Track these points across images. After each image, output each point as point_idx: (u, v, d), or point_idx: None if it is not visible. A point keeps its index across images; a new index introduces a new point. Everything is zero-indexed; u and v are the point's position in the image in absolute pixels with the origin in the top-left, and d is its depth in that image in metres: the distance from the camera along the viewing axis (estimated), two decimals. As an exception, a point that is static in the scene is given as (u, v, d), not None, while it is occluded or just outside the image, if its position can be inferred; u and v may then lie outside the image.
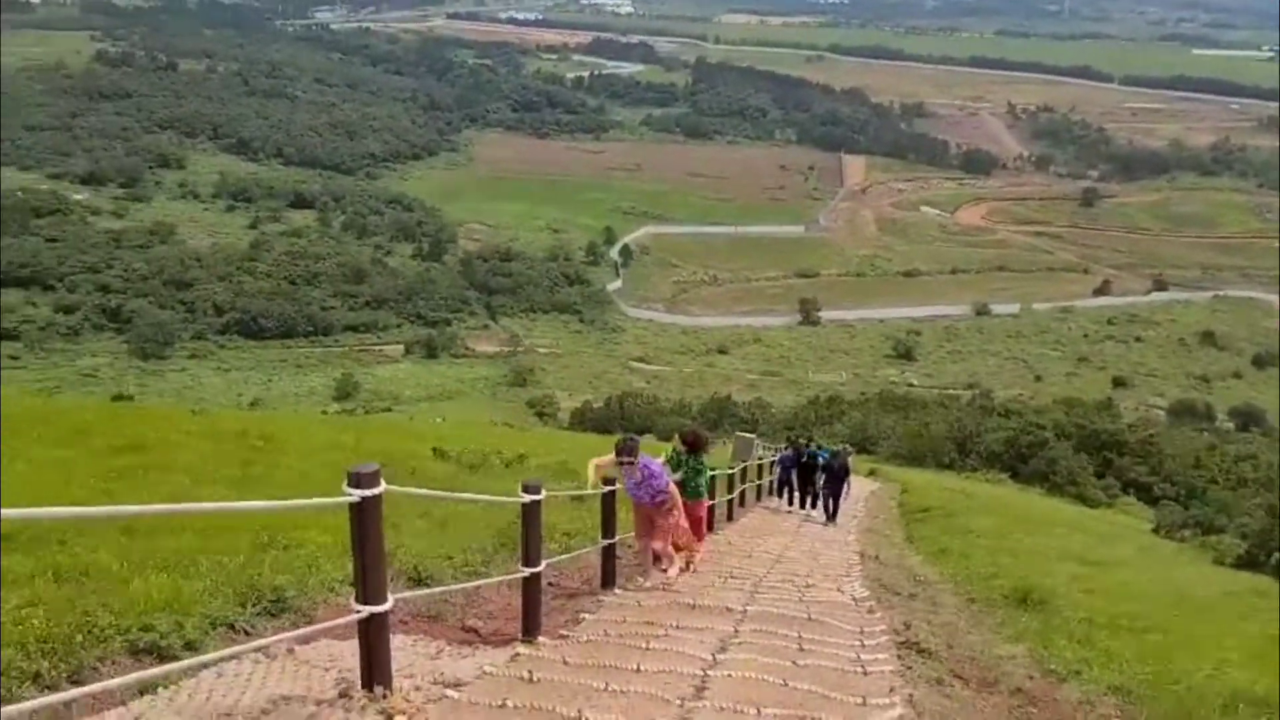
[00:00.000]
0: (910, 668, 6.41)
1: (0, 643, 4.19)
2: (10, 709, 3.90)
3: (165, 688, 4.65)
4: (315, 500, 4.56)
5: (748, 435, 30.47)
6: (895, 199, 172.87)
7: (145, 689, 4.61)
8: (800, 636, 7.02)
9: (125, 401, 38.57)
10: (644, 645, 6.44)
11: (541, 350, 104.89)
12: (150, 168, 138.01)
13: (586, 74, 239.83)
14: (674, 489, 9.14)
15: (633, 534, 9.65)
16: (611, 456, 8.88)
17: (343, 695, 4.57)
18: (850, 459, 22.10)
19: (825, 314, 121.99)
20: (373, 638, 4.50)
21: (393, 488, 4.41)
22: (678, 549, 9.62)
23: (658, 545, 9.06)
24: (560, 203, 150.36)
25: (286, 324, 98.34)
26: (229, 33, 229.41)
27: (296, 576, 6.66)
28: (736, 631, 7.13)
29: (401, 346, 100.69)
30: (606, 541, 8.84)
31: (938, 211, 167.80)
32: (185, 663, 4.43)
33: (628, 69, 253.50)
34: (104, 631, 5.04)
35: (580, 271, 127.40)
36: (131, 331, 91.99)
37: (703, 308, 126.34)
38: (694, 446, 10.92)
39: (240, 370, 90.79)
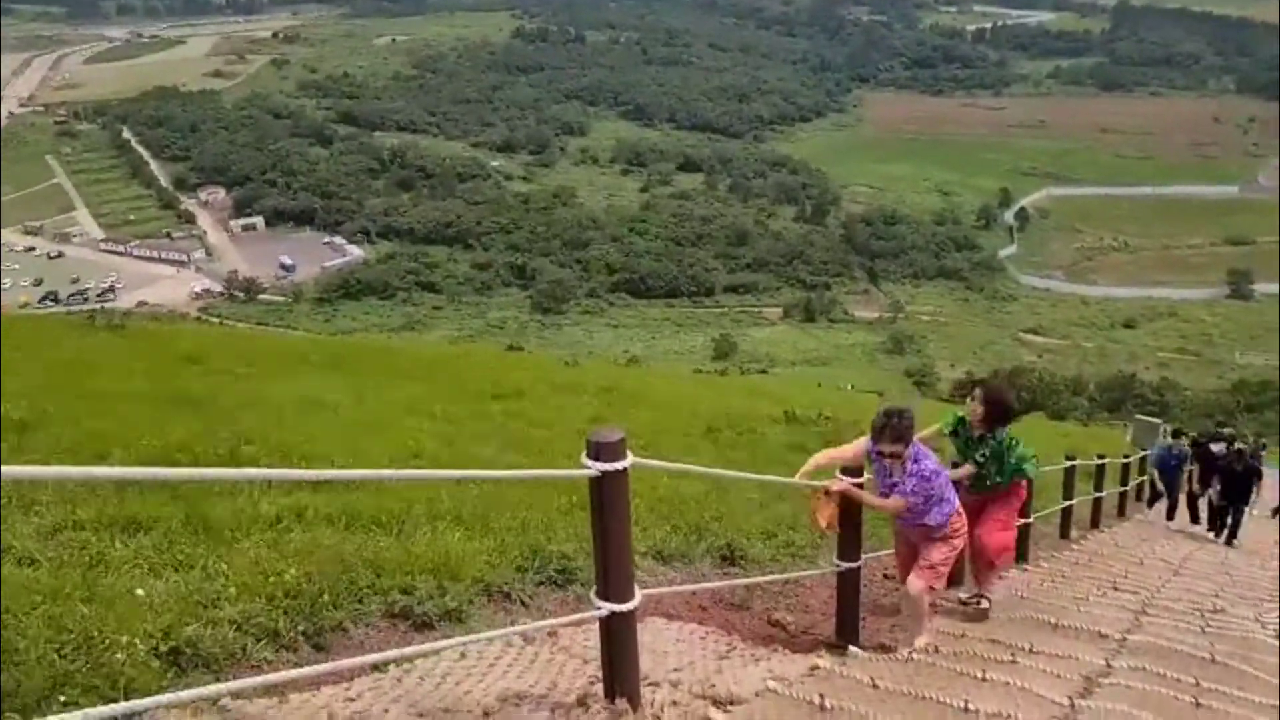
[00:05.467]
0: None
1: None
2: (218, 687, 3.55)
3: (399, 665, 4.14)
4: (549, 472, 3.82)
5: (1151, 419, 27.07)
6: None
7: (378, 665, 4.12)
8: (1198, 684, 5.39)
9: (516, 351, 41.56)
10: (980, 673, 5.18)
11: (923, 318, 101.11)
12: (557, 135, 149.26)
13: (988, 25, 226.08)
14: (962, 511, 5.93)
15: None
16: (861, 444, 5.70)
17: (580, 704, 3.82)
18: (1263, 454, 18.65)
19: (1260, 287, 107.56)
20: (615, 640, 3.71)
21: (640, 460, 3.56)
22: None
23: (916, 587, 5.84)
24: (952, 163, 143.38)
25: (671, 284, 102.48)
26: (631, 3, 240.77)
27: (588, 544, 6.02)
28: (1109, 667, 5.63)
29: (780, 309, 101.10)
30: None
31: None
32: (420, 647, 3.88)
33: (1035, 17, 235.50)
34: (361, 591, 4.66)
35: (970, 236, 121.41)
36: (534, 288, 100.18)
37: (1109, 277, 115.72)
38: (997, 414, 6.58)
39: (627, 327, 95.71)
